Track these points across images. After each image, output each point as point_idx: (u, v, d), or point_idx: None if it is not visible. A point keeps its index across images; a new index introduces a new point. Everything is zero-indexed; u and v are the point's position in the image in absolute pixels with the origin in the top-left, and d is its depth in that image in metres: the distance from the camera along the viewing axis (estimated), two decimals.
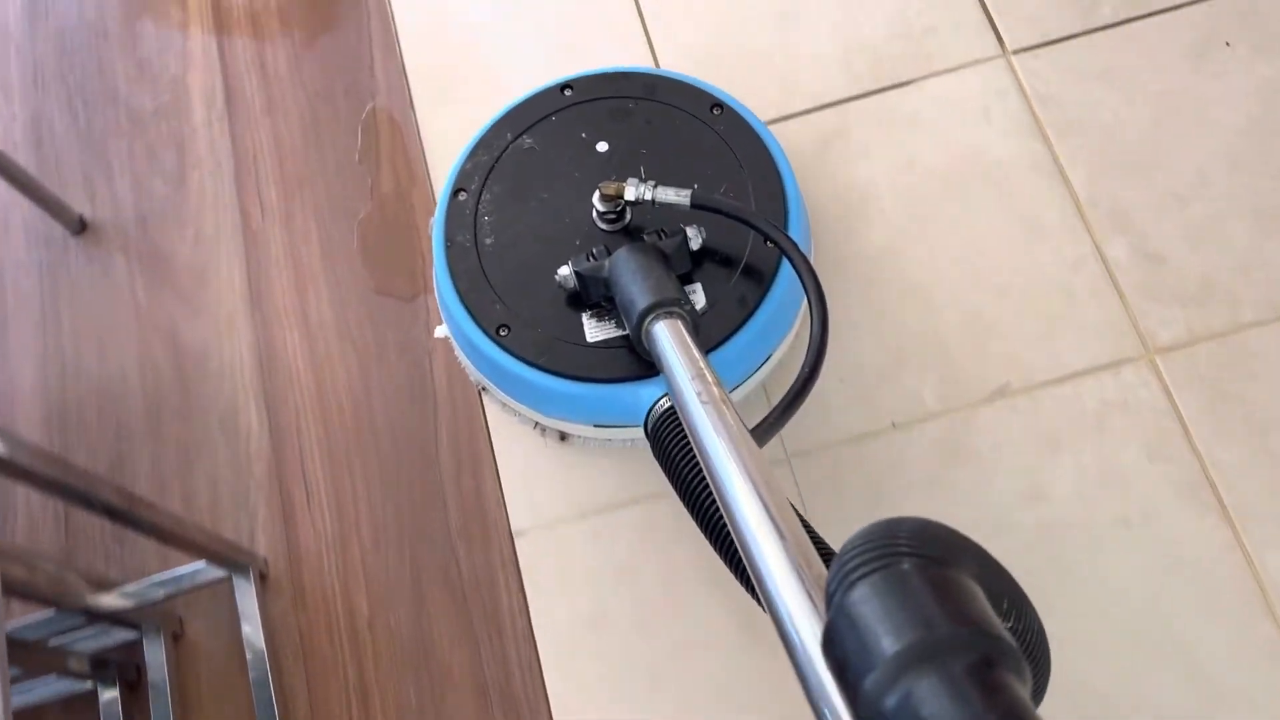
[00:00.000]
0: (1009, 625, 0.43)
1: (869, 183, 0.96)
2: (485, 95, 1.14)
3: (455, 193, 0.89)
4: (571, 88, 0.89)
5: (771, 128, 0.94)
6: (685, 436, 0.70)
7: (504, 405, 0.99)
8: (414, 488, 1.09)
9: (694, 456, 0.68)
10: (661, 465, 0.74)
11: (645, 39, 1.04)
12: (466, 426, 1.08)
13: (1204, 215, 0.93)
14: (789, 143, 0.95)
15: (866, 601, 0.37)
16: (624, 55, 1.04)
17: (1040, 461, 0.82)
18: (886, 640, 0.35)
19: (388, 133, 1.28)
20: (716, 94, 0.86)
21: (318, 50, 1.35)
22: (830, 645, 0.38)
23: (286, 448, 1.15)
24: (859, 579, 0.37)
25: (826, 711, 0.40)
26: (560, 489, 0.92)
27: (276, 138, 1.31)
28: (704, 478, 0.66)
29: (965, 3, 1.04)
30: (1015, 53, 1.00)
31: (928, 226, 0.94)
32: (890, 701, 0.34)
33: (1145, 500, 0.80)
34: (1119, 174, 0.95)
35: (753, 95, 0.97)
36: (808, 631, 0.43)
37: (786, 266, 0.79)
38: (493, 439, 1.04)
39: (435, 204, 1.19)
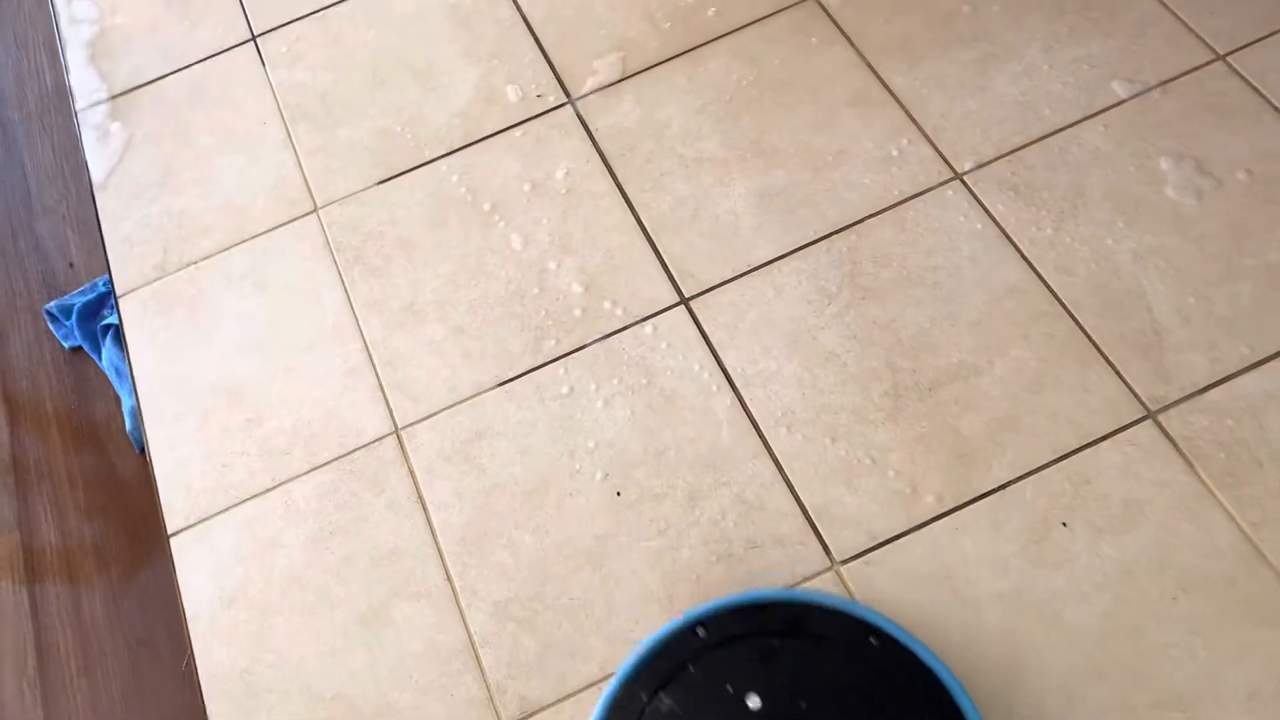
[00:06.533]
0: None
1: None
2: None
3: None
4: (705, 626, 0.78)
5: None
6: None
7: None
8: None
9: None
10: None
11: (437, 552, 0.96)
12: None
13: None
14: None
15: None
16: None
17: None
18: None
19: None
20: (873, 619, 0.77)
21: (137, 586, 1.25)
22: None
23: None
24: None
25: None
26: None
27: (94, 703, 1.19)
28: None
29: (787, 511, 0.99)
30: (843, 563, 0.93)
31: None
32: None
33: None
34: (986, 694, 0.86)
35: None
36: None
37: None
38: None
39: None
